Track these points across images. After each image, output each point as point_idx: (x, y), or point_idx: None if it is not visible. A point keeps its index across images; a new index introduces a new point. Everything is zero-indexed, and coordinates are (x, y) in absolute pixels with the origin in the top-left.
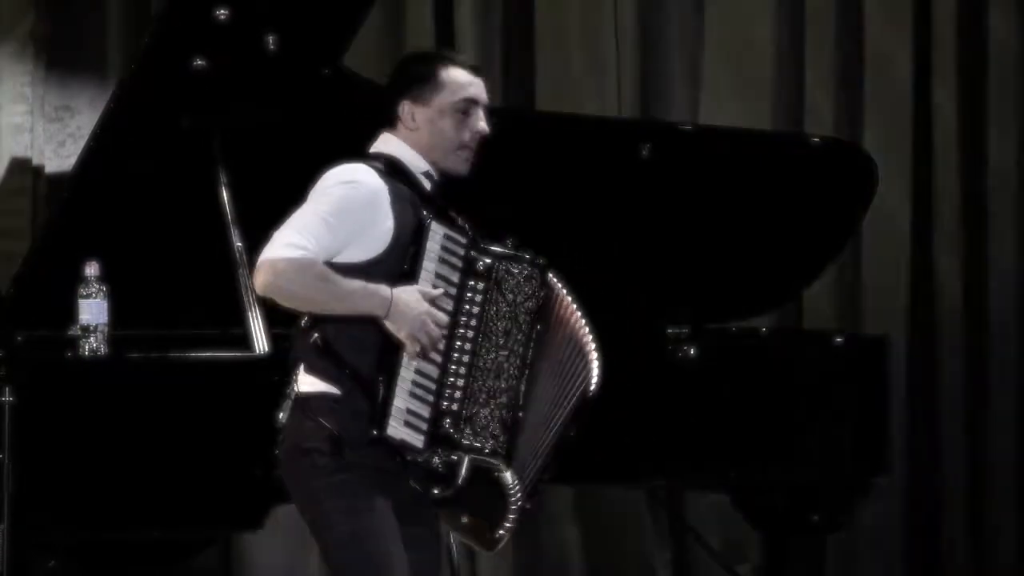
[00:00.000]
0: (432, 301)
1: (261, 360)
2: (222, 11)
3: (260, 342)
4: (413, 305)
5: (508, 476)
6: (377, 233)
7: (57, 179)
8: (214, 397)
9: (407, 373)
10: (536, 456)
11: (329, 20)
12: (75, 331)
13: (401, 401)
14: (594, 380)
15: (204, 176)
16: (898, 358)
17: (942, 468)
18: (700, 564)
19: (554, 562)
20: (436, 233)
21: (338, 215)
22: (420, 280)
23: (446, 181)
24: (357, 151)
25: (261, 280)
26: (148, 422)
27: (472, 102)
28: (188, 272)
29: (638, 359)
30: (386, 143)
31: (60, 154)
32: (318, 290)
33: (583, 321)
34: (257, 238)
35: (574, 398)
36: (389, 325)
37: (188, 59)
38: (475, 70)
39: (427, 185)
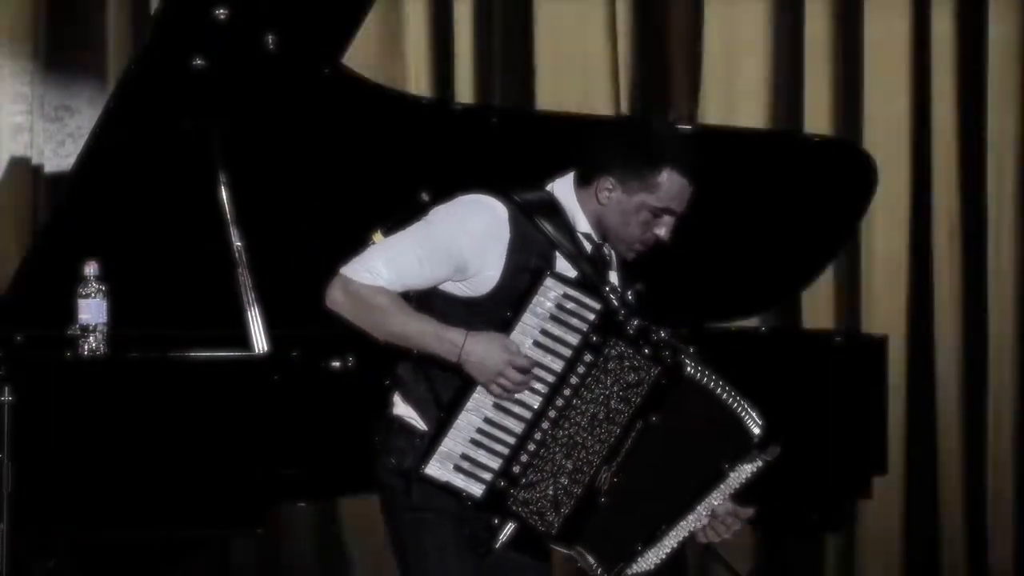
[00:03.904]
0: (516, 354)
1: (261, 360)
2: (222, 11)
3: (260, 342)
4: (488, 355)
5: (590, 559)
6: (477, 281)
7: (57, 179)
8: (214, 397)
9: (472, 418)
10: (633, 552)
11: (329, 20)
12: (75, 331)
13: (456, 445)
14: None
15: (204, 176)
16: (898, 358)
17: (942, 468)
18: (700, 564)
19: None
20: (550, 290)
21: (432, 254)
22: (514, 332)
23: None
24: (357, 150)
25: (329, 294)
26: (148, 422)
27: (670, 212)
28: (188, 272)
29: None
30: (565, 190)
31: (60, 154)
32: (379, 324)
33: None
34: (257, 238)
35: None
36: (465, 371)
37: (188, 59)
38: (693, 179)
39: (585, 244)
